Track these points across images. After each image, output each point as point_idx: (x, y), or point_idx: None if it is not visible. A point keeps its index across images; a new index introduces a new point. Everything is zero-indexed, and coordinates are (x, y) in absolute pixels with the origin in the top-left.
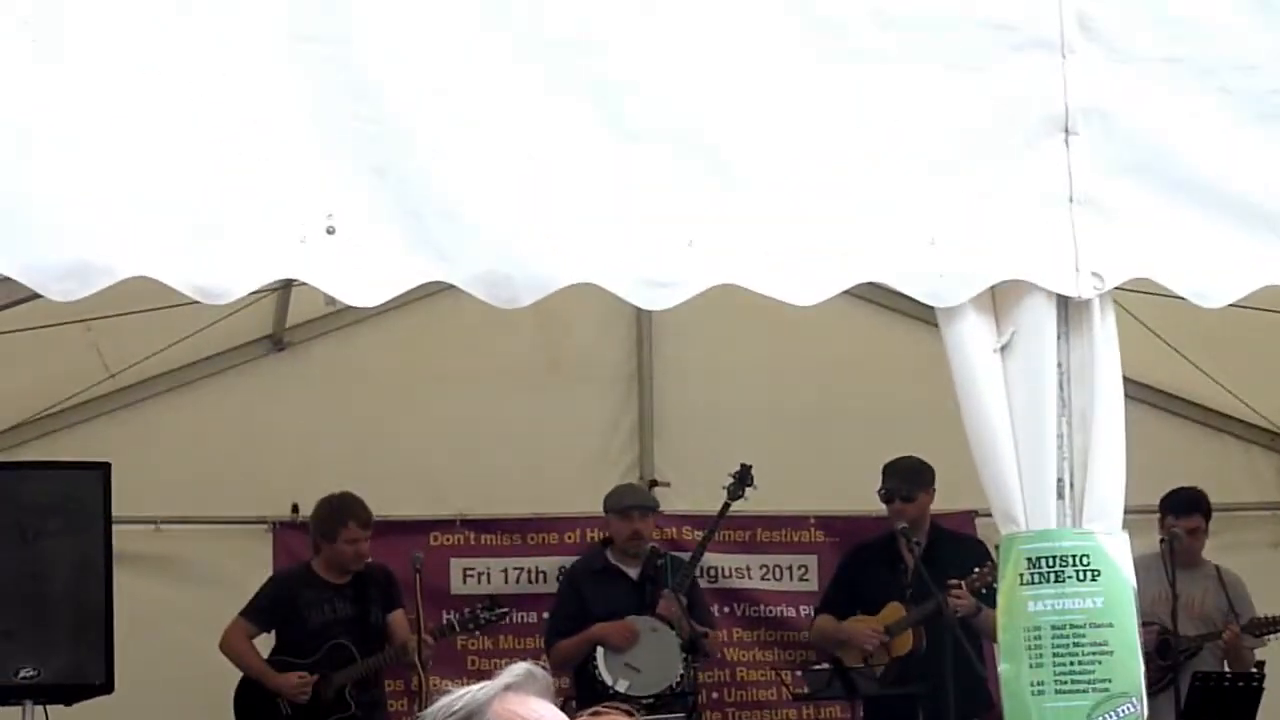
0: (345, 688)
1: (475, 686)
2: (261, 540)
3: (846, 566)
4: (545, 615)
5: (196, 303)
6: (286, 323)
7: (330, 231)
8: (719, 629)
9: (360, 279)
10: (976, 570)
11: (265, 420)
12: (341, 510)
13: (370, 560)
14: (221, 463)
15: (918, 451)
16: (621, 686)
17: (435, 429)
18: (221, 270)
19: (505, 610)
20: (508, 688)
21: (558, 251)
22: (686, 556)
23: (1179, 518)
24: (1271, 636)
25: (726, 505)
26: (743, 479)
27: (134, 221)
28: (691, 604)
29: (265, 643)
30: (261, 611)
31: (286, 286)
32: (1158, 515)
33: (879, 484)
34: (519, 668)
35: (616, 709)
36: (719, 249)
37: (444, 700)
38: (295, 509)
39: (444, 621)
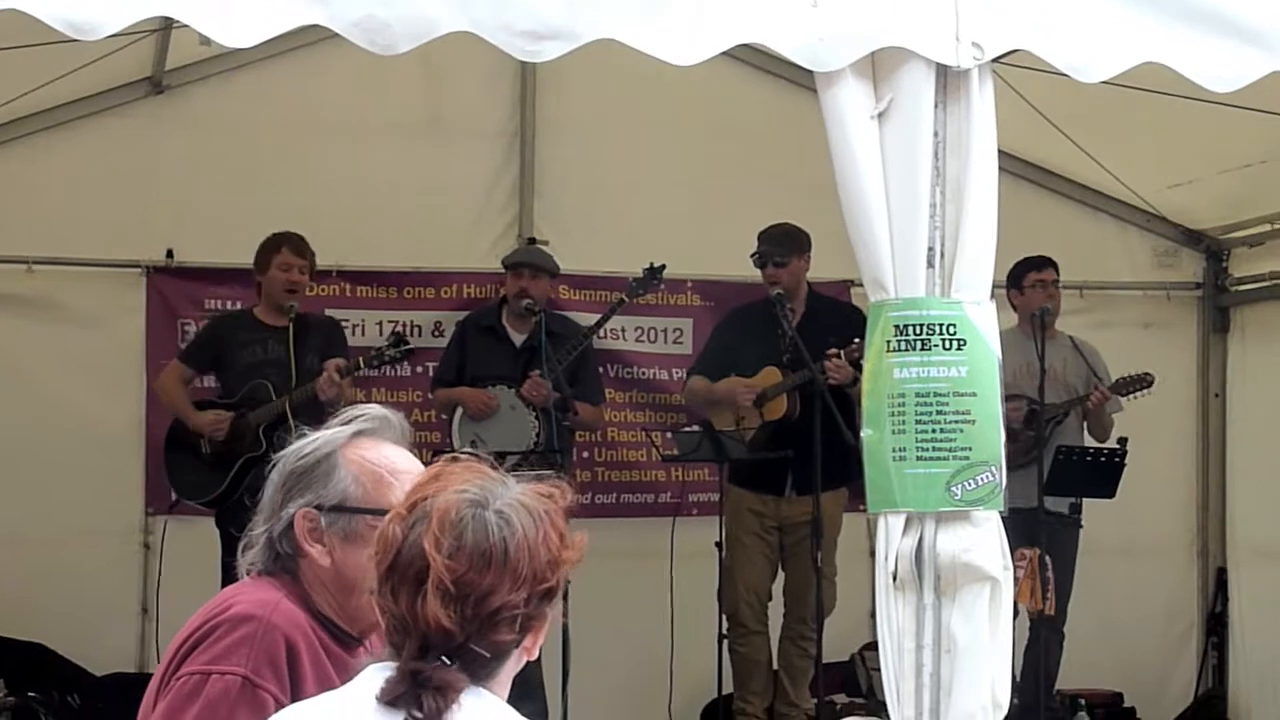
0: (261, 426)
1: (329, 430)
2: (134, 284)
3: (722, 330)
4: (419, 369)
5: (75, 41)
6: (166, 65)
7: None
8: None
9: (235, 19)
10: (856, 340)
11: (142, 164)
12: (277, 239)
13: (321, 313)
14: (96, 205)
15: (796, 219)
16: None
17: (314, 179)
18: (94, 5)
19: (410, 346)
20: (360, 433)
21: None
22: (570, 318)
23: (1040, 270)
24: (1139, 394)
25: (622, 300)
26: (648, 280)
27: None
28: (575, 378)
29: None
30: (194, 353)
31: (166, 28)
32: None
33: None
34: (374, 412)
35: (477, 455)
36: (600, 3)
37: (298, 443)
38: (170, 254)
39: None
